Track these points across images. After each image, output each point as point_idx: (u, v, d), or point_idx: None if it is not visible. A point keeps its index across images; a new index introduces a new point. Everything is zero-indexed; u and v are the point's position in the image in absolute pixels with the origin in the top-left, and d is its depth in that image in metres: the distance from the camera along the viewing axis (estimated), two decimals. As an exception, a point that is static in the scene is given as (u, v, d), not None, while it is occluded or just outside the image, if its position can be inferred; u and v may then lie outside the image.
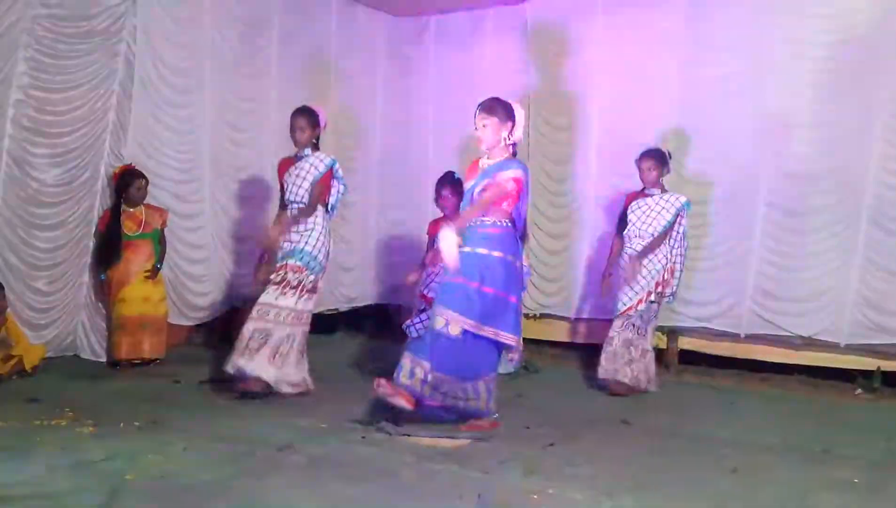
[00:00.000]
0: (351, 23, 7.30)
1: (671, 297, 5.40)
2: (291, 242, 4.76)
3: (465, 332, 4.00)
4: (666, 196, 5.29)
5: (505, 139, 4.14)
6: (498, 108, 4.12)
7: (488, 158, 4.20)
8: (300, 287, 4.69)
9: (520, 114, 4.18)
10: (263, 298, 4.67)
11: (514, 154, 4.24)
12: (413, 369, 4.03)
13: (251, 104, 6.60)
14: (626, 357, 5.15)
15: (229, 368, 4.60)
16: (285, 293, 4.66)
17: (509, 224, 4.12)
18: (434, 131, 7.44)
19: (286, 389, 4.67)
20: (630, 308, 5.19)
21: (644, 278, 5.19)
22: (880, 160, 5.52)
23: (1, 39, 4.97)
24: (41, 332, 5.38)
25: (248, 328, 4.63)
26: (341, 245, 6.73)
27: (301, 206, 4.79)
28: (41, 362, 5.07)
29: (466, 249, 4.04)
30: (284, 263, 4.73)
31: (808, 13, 5.72)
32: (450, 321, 4.00)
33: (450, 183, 5.41)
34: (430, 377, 4.00)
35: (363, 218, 7.52)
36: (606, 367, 5.18)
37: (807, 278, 5.76)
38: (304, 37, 6.91)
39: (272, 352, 4.61)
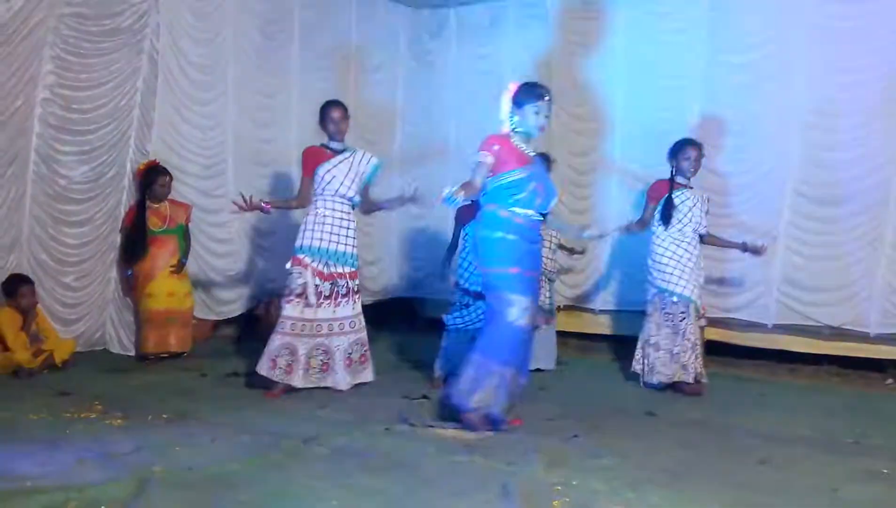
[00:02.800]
0: (371, 16, 7.30)
1: None
2: (345, 246, 4.69)
3: None
4: (697, 192, 5.20)
5: None
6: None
7: (528, 144, 4.11)
8: (358, 292, 4.75)
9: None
10: (288, 311, 4.58)
11: None
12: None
13: (273, 99, 6.65)
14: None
15: (344, 386, 4.67)
16: (347, 303, 4.68)
17: None
18: (456, 124, 7.41)
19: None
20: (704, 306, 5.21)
21: (701, 273, 5.15)
22: (910, 147, 5.41)
23: (27, 39, 5.04)
24: (71, 327, 5.48)
25: (340, 344, 4.68)
26: (364, 239, 6.75)
27: (353, 201, 4.73)
28: (71, 356, 5.15)
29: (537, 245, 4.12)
30: (343, 270, 4.68)
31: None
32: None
33: None
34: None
35: (385, 212, 7.51)
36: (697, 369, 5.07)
37: (835, 267, 5.67)
38: (324, 31, 6.93)
39: (346, 361, 4.71)
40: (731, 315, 6.03)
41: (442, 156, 7.44)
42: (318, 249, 4.63)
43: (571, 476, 3.18)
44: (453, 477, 3.17)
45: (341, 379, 4.69)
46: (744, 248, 5.20)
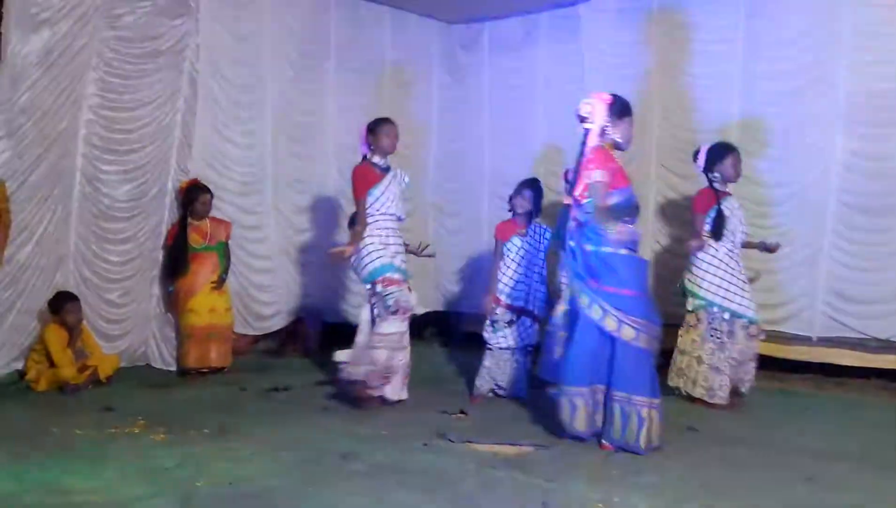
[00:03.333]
0: (405, 31, 7.36)
1: None
2: (404, 263, 4.79)
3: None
4: (735, 198, 5.12)
5: None
6: None
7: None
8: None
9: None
10: (393, 327, 4.65)
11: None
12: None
13: (310, 117, 6.73)
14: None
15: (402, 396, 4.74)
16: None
17: None
18: (490, 138, 7.42)
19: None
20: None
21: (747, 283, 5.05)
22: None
23: (72, 62, 5.18)
24: (115, 343, 5.58)
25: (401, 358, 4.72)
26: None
27: (400, 222, 4.79)
28: (115, 372, 5.25)
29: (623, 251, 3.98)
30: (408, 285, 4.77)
31: (875, 3, 5.50)
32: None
33: (531, 187, 5.16)
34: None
35: (421, 226, 7.55)
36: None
37: (882, 278, 5.51)
38: (359, 48, 7.01)
39: (405, 375, 4.79)
40: (775, 328, 5.89)
41: (476, 169, 7.45)
42: (398, 267, 4.71)
43: (612, 493, 3.14)
44: (493, 493, 3.15)
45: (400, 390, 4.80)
46: (762, 247, 5.15)
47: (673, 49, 6.35)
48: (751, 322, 4.96)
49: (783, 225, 5.84)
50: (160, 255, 5.79)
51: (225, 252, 5.81)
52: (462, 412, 4.58)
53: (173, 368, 5.72)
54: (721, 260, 4.95)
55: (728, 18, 6.10)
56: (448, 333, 7.61)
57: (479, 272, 7.15)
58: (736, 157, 5.02)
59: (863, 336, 5.58)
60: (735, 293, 4.91)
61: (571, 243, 3.99)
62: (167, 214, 5.81)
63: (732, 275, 4.94)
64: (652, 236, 6.46)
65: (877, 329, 5.52)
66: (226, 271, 5.78)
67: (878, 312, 5.53)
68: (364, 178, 4.71)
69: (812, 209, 5.75)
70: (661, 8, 6.45)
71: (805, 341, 5.79)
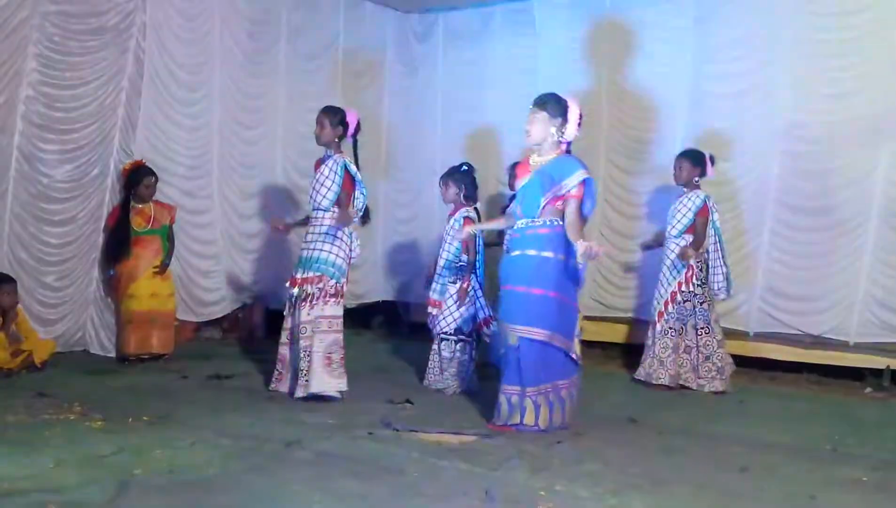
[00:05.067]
0: (359, 19, 7.30)
1: (725, 292, 5.38)
2: (309, 250, 4.60)
3: (523, 339, 3.96)
4: (688, 194, 5.28)
5: (553, 135, 4.03)
6: (550, 103, 4.03)
7: (539, 154, 4.11)
8: (324, 295, 4.56)
9: (574, 112, 4.05)
10: (296, 319, 4.54)
11: (568, 151, 4.14)
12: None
13: (259, 101, 6.63)
14: (683, 364, 5.24)
15: (300, 395, 4.49)
16: (314, 306, 4.53)
17: (560, 223, 4.00)
18: (442, 129, 7.43)
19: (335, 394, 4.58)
20: (660, 314, 5.25)
21: (666, 279, 5.27)
22: (890, 158, 5.49)
23: (11, 36, 5.00)
24: (51, 327, 5.42)
25: (295, 349, 4.55)
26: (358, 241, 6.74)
27: (321, 212, 4.61)
28: (50, 357, 5.10)
29: (515, 252, 4.06)
30: (306, 276, 4.55)
31: (818, 12, 5.68)
32: (511, 333, 3.98)
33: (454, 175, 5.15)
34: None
35: (371, 215, 7.49)
36: (650, 372, 5.28)
37: (816, 276, 5.73)
38: (312, 33, 6.92)
39: (325, 361, 4.53)
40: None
41: (428, 160, 7.44)
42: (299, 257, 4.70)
43: (555, 482, 3.18)
44: (437, 482, 3.17)
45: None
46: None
47: (624, 45, 6.44)
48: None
49: (723, 222, 5.99)
50: (100, 238, 5.63)
51: (169, 236, 5.68)
52: (408, 401, 4.58)
53: (112, 354, 5.59)
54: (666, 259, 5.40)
55: (678, 21, 6.22)
56: (396, 323, 7.60)
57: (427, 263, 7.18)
58: (681, 161, 5.34)
59: (796, 332, 5.79)
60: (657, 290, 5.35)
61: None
62: (108, 195, 5.64)
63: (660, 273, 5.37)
64: (598, 229, 6.57)
65: (809, 326, 5.73)
66: (169, 255, 5.66)
67: (811, 309, 5.75)
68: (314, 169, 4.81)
69: (751, 209, 5.94)
70: (614, 4, 6.54)
71: (742, 336, 5.98)
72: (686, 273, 5.24)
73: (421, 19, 7.57)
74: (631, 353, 6.04)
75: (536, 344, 3.97)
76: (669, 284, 5.26)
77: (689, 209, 5.26)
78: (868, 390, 5.46)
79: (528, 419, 3.98)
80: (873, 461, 3.75)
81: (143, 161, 5.62)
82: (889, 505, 3.20)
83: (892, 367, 5.48)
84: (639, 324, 6.15)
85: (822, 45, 5.66)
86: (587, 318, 6.63)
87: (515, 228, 4.14)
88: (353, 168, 4.64)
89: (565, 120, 4.04)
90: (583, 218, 4.07)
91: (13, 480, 2.96)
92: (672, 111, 6.21)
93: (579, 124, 4.09)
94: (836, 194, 5.65)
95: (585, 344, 6.57)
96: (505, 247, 4.43)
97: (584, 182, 4.01)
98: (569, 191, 3.99)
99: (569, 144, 4.14)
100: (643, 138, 6.39)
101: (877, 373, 5.54)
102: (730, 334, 6.01)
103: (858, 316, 5.55)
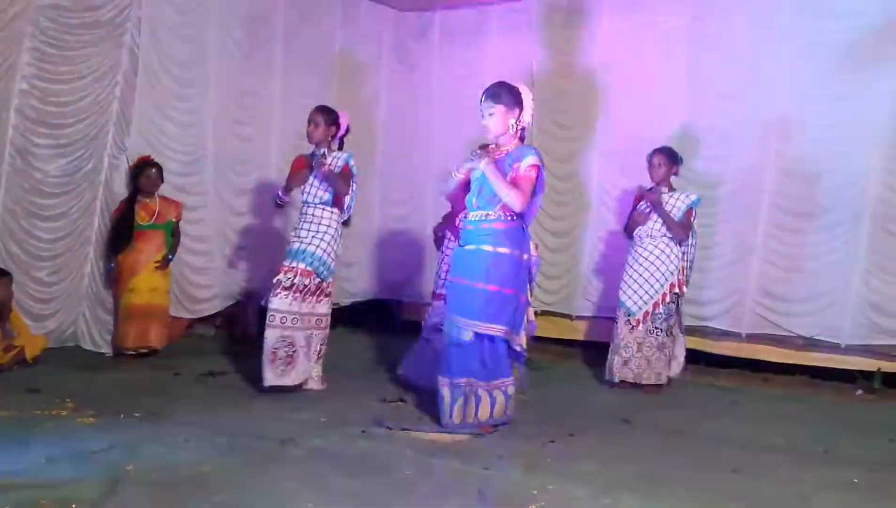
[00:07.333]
0: (356, 18, 7.29)
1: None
2: (301, 241, 4.59)
3: (477, 335, 3.92)
4: (676, 194, 5.28)
5: (513, 126, 4.00)
6: (504, 94, 3.97)
7: (497, 145, 4.06)
8: (315, 292, 4.57)
9: (527, 97, 4.03)
10: (278, 304, 4.48)
11: (523, 139, 4.10)
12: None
13: (255, 98, 6.61)
14: (663, 361, 5.19)
15: (266, 384, 4.45)
16: (305, 300, 4.53)
17: (515, 217, 3.97)
18: (438, 127, 7.42)
19: (313, 385, 4.65)
20: (646, 314, 5.18)
21: (658, 280, 5.18)
22: (883, 161, 5.51)
23: (5, 30, 4.97)
24: (43, 322, 5.39)
25: (273, 336, 4.48)
26: (342, 241, 6.74)
27: (321, 205, 4.62)
28: (42, 352, 5.07)
29: (470, 246, 3.99)
30: (295, 266, 4.55)
31: (811, 13, 5.70)
32: (462, 327, 3.92)
33: None
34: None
35: (365, 213, 7.51)
36: (639, 373, 5.18)
37: (809, 278, 5.75)
38: (308, 31, 6.90)
39: (308, 353, 4.56)
40: (707, 324, 6.09)
41: (423, 158, 7.44)
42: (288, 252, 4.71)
43: (548, 481, 3.19)
44: (430, 480, 3.17)
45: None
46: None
47: (620, 47, 6.45)
48: (628, 314, 5.23)
49: (717, 224, 6.03)
50: (93, 233, 5.61)
51: (174, 233, 5.67)
52: (401, 399, 4.58)
53: (104, 350, 5.56)
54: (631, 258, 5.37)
55: (675, 20, 6.23)
56: (389, 321, 7.60)
57: (423, 262, 7.18)
58: (660, 158, 5.30)
59: (788, 334, 5.81)
60: (625, 283, 5.28)
61: None
62: (101, 191, 5.62)
63: (629, 267, 5.31)
64: (595, 230, 6.59)
65: (802, 327, 5.75)
66: (173, 251, 5.65)
67: (804, 310, 5.77)
68: (293, 164, 4.87)
69: (745, 210, 5.95)
70: (612, 5, 6.55)
71: (735, 337, 6.00)
72: (677, 275, 5.23)
73: (417, 18, 7.56)
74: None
75: (495, 340, 3.93)
76: (661, 285, 5.19)
77: (680, 210, 5.23)
78: (859, 392, 5.49)
79: (483, 413, 3.92)
80: (865, 462, 3.76)
81: (151, 156, 5.62)
82: (881, 507, 3.22)
83: (882, 369, 5.51)
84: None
85: (817, 48, 5.68)
86: (579, 318, 6.69)
87: (469, 219, 4.05)
88: (353, 165, 4.70)
89: (521, 109, 4.01)
90: (533, 211, 4.06)
91: (5, 475, 2.95)
92: (666, 112, 6.21)
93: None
94: (830, 196, 5.67)
95: (578, 344, 6.66)
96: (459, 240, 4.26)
97: (538, 168, 3.94)
98: (518, 173, 3.93)
99: (523, 130, 4.10)
100: (638, 138, 6.40)
101: (868, 375, 5.57)
102: (723, 335, 6.06)
103: (850, 318, 5.56)
